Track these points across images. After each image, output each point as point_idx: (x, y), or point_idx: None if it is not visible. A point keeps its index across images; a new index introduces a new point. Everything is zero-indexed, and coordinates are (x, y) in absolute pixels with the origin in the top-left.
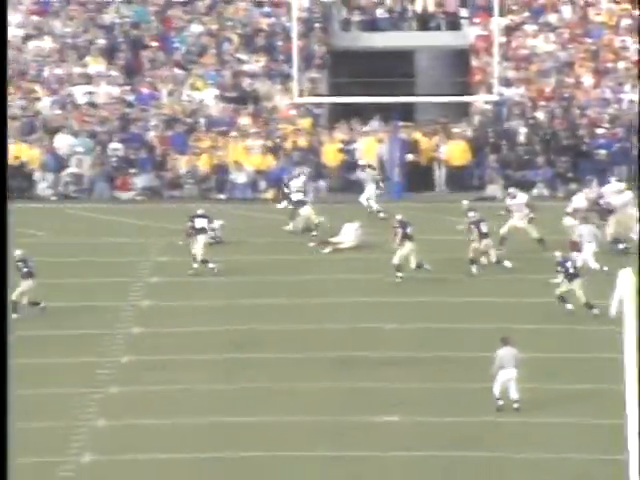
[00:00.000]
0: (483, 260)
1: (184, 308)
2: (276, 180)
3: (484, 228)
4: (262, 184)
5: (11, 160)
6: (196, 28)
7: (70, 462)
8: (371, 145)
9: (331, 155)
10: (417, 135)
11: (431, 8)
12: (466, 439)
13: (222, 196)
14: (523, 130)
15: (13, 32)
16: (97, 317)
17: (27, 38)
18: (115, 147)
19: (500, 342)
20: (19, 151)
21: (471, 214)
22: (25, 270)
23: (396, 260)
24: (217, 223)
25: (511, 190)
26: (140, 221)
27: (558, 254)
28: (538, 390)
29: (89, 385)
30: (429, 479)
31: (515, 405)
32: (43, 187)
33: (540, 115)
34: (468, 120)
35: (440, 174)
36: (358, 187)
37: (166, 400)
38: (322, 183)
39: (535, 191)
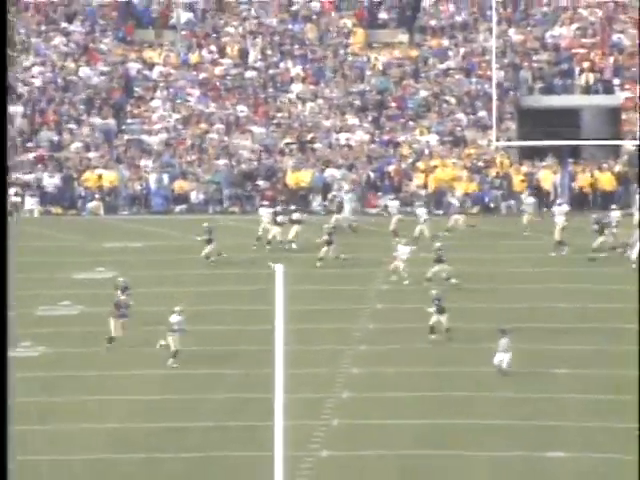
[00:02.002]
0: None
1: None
2: (478, 200)
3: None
4: (468, 203)
5: (291, 184)
6: (423, 93)
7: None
8: (548, 175)
9: (518, 182)
10: (580, 169)
11: (592, 78)
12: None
13: (440, 212)
14: None
15: (295, 95)
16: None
17: (306, 101)
18: (365, 176)
19: (500, 333)
20: (298, 179)
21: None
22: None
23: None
24: None
25: None
26: (381, 228)
27: (434, 291)
28: None
29: (327, 391)
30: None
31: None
32: (315, 205)
33: None
34: (619, 158)
35: (595, 197)
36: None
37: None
38: (512, 202)
39: None
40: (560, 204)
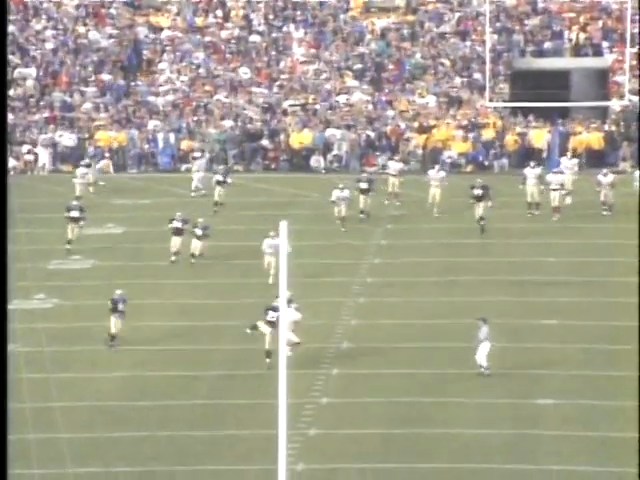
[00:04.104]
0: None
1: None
2: (473, 159)
3: None
4: (462, 161)
5: (295, 144)
6: (420, 56)
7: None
8: (541, 134)
9: (511, 142)
10: (570, 128)
11: (582, 41)
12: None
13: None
14: None
15: (296, 57)
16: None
17: (307, 63)
18: (364, 136)
19: (481, 321)
20: (300, 139)
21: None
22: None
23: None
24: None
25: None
26: (380, 186)
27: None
28: None
29: (328, 341)
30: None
31: (488, 371)
32: (317, 164)
33: None
34: (607, 118)
35: (584, 155)
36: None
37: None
38: (505, 160)
39: None
40: (533, 167)
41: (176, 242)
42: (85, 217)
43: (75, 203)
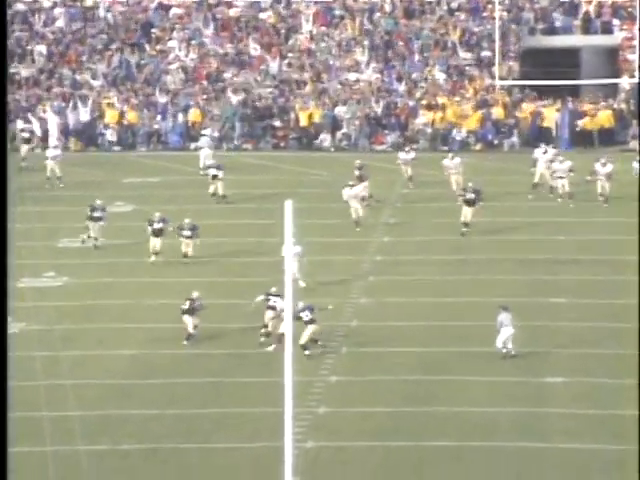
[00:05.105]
0: None
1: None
2: (482, 137)
3: None
4: (472, 139)
5: (303, 123)
6: (428, 32)
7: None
8: (551, 112)
9: (520, 120)
10: (580, 106)
11: (592, 19)
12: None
13: (445, 148)
14: None
15: (306, 35)
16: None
17: (318, 41)
18: (372, 114)
19: (500, 309)
20: (309, 117)
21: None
22: None
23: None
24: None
25: None
26: (389, 165)
27: (301, 304)
28: None
29: (337, 320)
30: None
31: (512, 352)
32: (325, 142)
33: None
34: (617, 96)
35: (594, 133)
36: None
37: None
38: (515, 139)
39: None
40: (545, 152)
41: (155, 243)
42: (106, 217)
43: (99, 202)
